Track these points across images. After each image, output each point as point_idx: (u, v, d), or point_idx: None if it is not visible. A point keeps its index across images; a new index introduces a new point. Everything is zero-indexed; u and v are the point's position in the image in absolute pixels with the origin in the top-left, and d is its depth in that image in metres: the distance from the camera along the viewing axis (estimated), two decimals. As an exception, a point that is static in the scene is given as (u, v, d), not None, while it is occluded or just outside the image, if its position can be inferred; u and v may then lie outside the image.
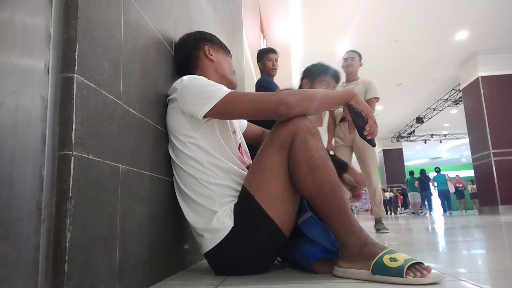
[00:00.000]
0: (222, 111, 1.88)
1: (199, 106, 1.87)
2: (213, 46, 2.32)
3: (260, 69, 5.29)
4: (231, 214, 1.89)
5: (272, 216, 1.84)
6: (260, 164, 1.90)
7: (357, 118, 1.95)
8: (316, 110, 1.90)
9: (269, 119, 1.89)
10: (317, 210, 1.81)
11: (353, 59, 5.85)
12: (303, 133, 1.82)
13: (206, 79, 1.98)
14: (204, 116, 1.89)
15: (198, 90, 1.90)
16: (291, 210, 1.89)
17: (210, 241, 1.89)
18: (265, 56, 5.24)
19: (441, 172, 21.04)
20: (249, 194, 1.87)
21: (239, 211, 1.88)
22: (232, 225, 1.86)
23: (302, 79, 3.60)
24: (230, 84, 2.29)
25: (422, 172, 21.27)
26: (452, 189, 20.93)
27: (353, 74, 5.83)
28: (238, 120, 2.43)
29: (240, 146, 2.18)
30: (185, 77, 1.96)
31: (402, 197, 25.45)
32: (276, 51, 5.31)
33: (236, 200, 1.94)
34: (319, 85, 3.42)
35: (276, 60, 5.24)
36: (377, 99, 5.55)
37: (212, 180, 1.93)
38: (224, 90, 1.88)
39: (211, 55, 2.28)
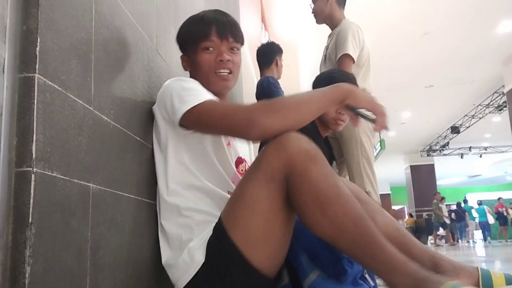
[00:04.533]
0: (195, 122, 1.89)
1: (176, 111, 1.89)
2: (185, 49, 2.24)
3: (270, 67, 5.20)
4: (204, 249, 1.87)
5: (250, 258, 1.78)
6: (241, 197, 1.83)
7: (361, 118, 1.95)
8: (300, 123, 1.86)
9: (242, 140, 1.88)
10: (344, 253, 1.77)
11: None
12: (300, 160, 1.72)
13: (194, 81, 2.00)
14: (181, 125, 1.90)
15: (179, 92, 1.92)
16: (276, 253, 1.87)
17: (181, 279, 1.89)
18: (281, 55, 5.21)
19: (482, 204, 26.00)
20: (222, 228, 1.83)
21: (211, 245, 1.86)
22: (203, 260, 1.84)
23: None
24: (209, 81, 2.14)
25: (458, 204, 25.30)
26: (491, 221, 25.02)
27: (327, 20, 4.77)
28: None
29: (239, 161, 2.17)
30: (170, 80, 1.99)
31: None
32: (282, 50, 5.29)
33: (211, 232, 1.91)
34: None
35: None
36: (349, 57, 4.36)
37: (191, 205, 1.95)
38: (201, 97, 1.88)
39: (187, 65, 2.24)
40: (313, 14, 4.87)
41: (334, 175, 1.76)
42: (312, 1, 4.83)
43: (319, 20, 4.85)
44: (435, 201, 22.39)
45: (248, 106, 1.87)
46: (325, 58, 4.71)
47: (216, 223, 1.88)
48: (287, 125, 1.80)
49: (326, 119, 3.23)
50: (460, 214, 24.40)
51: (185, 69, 2.24)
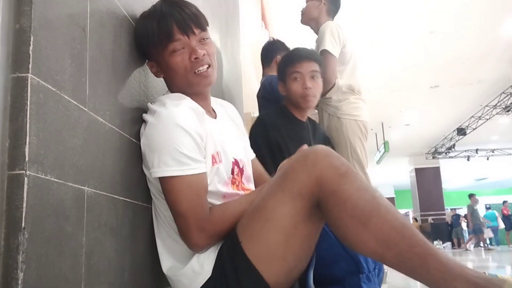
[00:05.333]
0: (163, 189, 1.89)
1: (153, 170, 1.86)
2: (150, 54, 2.09)
3: (271, 65, 5.17)
4: (214, 258, 1.88)
5: (264, 273, 1.79)
6: (261, 211, 1.84)
7: None
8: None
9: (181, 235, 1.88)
10: (393, 267, 1.71)
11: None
12: (332, 178, 1.73)
13: (176, 129, 1.86)
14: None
15: (162, 151, 1.85)
16: (293, 268, 1.86)
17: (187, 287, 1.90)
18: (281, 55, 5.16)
19: (491, 209, 27.56)
20: (236, 239, 1.84)
21: (223, 255, 1.87)
22: (211, 271, 1.86)
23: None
24: (189, 83, 2.07)
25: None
26: (502, 225, 25.80)
27: (312, 22, 4.80)
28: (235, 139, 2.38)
29: (237, 171, 2.16)
30: (162, 113, 1.88)
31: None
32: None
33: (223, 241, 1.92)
34: (294, 82, 3.33)
35: None
36: (327, 52, 4.30)
37: None
38: (170, 169, 1.83)
39: (158, 71, 2.12)
40: (301, 12, 4.92)
41: (369, 187, 1.75)
42: (306, 1, 4.86)
43: (303, 20, 4.91)
44: (470, 203, 22.47)
45: (206, 219, 1.86)
46: None
47: (229, 234, 1.89)
48: (222, 238, 1.91)
49: (294, 99, 3.30)
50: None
51: (157, 75, 2.13)
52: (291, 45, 5.08)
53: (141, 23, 2.04)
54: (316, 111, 4.67)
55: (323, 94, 4.11)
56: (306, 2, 4.84)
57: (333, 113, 4.37)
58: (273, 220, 1.79)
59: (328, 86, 4.25)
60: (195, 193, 1.85)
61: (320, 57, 3.48)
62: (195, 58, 2.00)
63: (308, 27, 4.89)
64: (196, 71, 2.02)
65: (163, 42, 1.99)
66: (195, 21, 2.03)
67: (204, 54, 2.01)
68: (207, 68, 2.05)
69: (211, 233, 1.85)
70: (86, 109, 1.47)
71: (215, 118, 2.22)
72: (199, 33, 2.04)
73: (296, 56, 3.38)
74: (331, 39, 4.36)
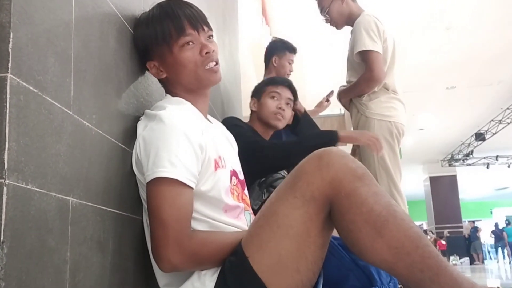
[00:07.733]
0: (147, 193, 1.84)
1: (147, 173, 1.83)
2: (154, 54, 2.14)
3: (269, 66, 5.18)
4: (217, 274, 1.87)
5: (270, 286, 1.77)
6: (271, 218, 1.82)
7: None
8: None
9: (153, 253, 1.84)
10: (402, 279, 1.75)
11: (321, 3, 4.72)
12: (347, 180, 1.73)
13: (177, 134, 1.87)
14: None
15: (158, 152, 1.83)
16: (306, 283, 1.84)
17: None
18: (286, 54, 5.14)
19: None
20: (242, 255, 1.82)
21: (225, 272, 1.85)
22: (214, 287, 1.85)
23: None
24: (199, 79, 2.14)
25: (496, 224, 29.16)
26: None
27: (348, 20, 4.70)
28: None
29: (235, 182, 2.17)
30: (163, 117, 1.90)
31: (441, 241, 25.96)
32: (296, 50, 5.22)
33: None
34: (270, 99, 3.61)
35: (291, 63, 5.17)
36: (370, 52, 4.31)
37: (195, 226, 1.94)
38: (165, 170, 1.80)
39: (160, 71, 2.16)
40: (329, 24, 4.81)
41: (385, 193, 1.77)
42: (322, 11, 4.73)
43: (340, 26, 4.81)
44: None
45: (187, 234, 1.82)
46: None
47: (233, 250, 1.88)
48: (195, 268, 1.89)
49: (266, 114, 3.58)
50: (498, 234, 27.34)
51: (157, 76, 2.17)
52: (294, 42, 5.07)
53: (148, 23, 2.12)
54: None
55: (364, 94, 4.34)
56: (325, 11, 4.71)
57: (362, 111, 4.43)
58: (284, 226, 1.78)
59: (375, 85, 4.34)
60: (183, 204, 1.83)
61: (295, 88, 3.78)
62: (207, 53, 2.08)
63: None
64: (207, 66, 2.10)
65: (174, 37, 2.07)
66: (203, 20, 2.15)
67: (214, 50, 2.11)
68: (215, 65, 2.13)
69: (187, 252, 1.79)
70: (70, 112, 1.46)
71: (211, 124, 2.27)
72: (207, 31, 2.15)
73: (280, 80, 3.79)
74: (369, 35, 4.35)
